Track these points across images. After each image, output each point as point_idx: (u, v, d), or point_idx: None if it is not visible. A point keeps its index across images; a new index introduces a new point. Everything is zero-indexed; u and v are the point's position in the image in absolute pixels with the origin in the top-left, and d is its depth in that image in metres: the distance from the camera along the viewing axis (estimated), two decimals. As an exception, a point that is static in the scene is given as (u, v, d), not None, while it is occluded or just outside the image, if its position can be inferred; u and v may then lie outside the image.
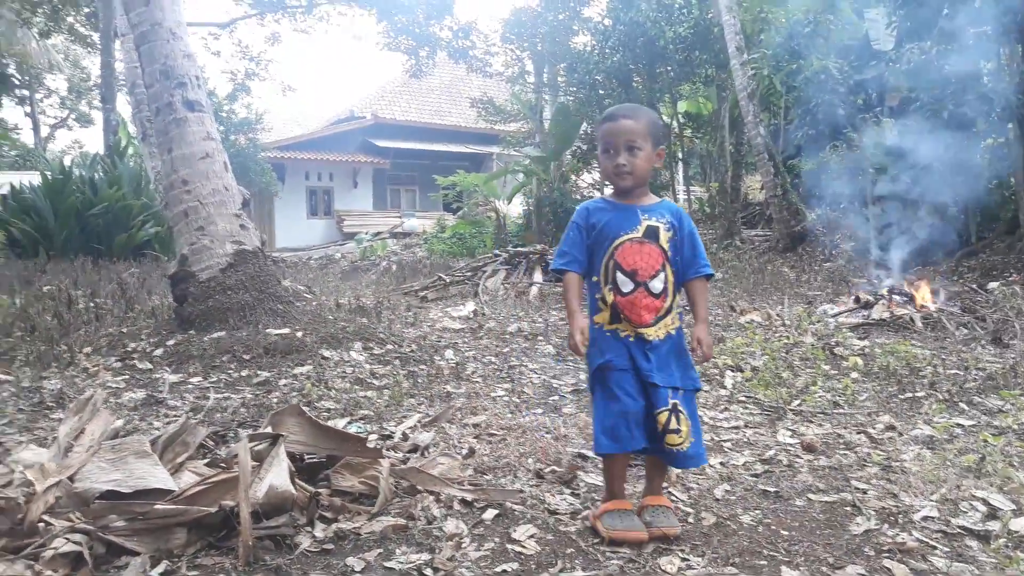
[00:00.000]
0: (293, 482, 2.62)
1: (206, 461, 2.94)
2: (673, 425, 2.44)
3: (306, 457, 3.02)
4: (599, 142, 2.61)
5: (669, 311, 2.53)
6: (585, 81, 16.74)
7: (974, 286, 8.38)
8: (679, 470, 2.96)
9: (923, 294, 6.96)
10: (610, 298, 2.51)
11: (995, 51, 10.97)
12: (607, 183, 2.67)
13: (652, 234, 2.53)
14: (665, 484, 2.80)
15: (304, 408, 3.23)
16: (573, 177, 19.27)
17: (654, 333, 2.50)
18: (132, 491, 2.51)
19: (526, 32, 18.62)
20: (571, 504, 2.77)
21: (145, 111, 9.80)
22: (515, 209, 20.46)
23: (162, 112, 5.99)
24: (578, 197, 19.52)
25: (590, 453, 3.26)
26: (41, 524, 2.37)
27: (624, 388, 2.46)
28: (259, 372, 4.69)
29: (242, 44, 23.37)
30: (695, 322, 2.58)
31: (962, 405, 4.02)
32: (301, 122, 34.13)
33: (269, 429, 2.93)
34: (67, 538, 2.31)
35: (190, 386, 4.49)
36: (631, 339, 2.50)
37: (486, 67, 21.06)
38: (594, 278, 2.56)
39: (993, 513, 2.61)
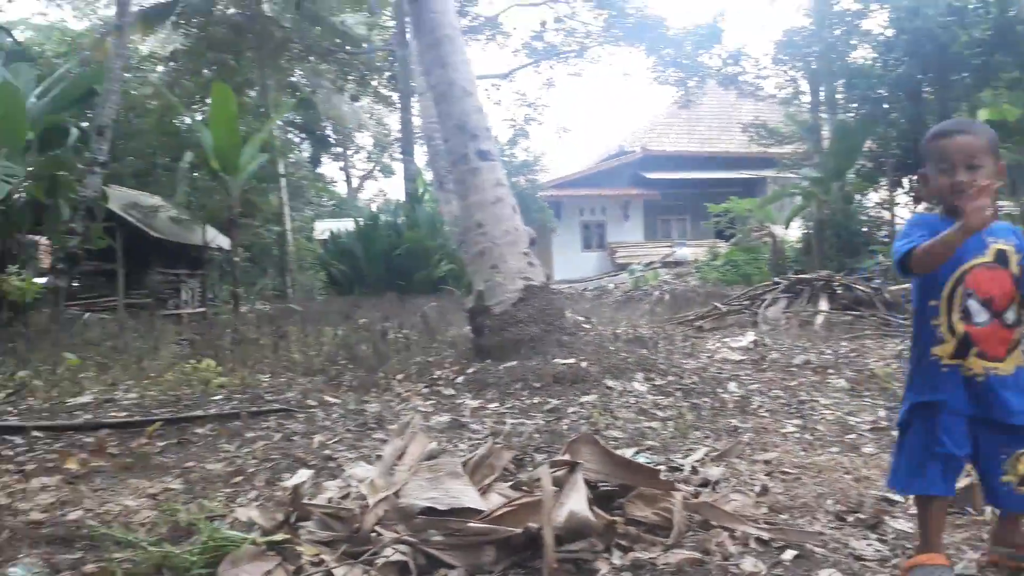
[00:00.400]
0: (591, 509, 2.74)
1: (510, 484, 3.16)
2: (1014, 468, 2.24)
3: (600, 485, 3.14)
4: (931, 160, 2.36)
5: (1019, 343, 2.30)
6: (867, 97, 15.72)
7: None
8: None
9: None
10: (960, 328, 2.27)
11: None
12: (931, 204, 2.44)
13: (1002, 259, 2.30)
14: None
15: (597, 438, 3.37)
16: (857, 197, 18.08)
17: (1004, 368, 2.26)
18: (447, 508, 2.76)
19: (799, 52, 17.92)
20: (878, 551, 2.61)
21: (440, 161, 10.80)
22: (793, 233, 19.59)
23: (458, 163, 6.60)
24: (863, 218, 18.27)
25: (898, 498, 3.05)
26: (373, 534, 2.69)
27: (952, 433, 2.25)
28: (549, 400, 4.94)
29: (520, 92, 24.91)
30: None
31: None
32: (574, 160, 35.47)
33: (566, 456, 3.09)
34: (395, 548, 2.61)
35: (488, 411, 4.83)
36: (978, 379, 2.26)
37: (757, 91, 20.54)
38: (931, 303, 2.32)
39: None
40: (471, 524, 2.68)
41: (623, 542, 2.76)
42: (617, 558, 2.64)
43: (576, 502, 2.76)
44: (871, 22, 17.43)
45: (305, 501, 2.81)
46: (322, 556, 2.52)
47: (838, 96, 18.16)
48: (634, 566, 2.57)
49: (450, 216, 11.21)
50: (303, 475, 3.04)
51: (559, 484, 2.89)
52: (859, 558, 2.56)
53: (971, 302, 2.27)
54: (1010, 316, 2.29)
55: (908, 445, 2.37)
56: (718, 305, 9.99)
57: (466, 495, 2.86)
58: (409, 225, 13.61)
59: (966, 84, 15.02)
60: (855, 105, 16.89)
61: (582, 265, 27.75)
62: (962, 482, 2.99)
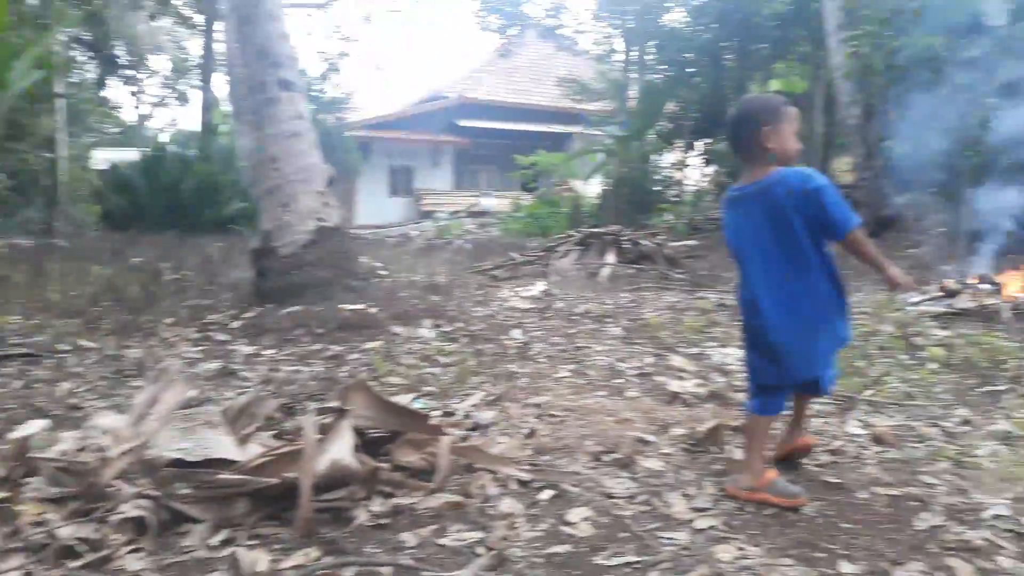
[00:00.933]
0: (356, 456, 2.69)
1: (273, 433, 3.05)
2: None
3: (369, 432, 3.10)
4: (785, 120, 2.67)
5: None
6: (674, 59, 16.42)
7: (1075, 276, 7.92)
8: None
9: (1013, 284, 6.62)
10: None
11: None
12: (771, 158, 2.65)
13: None
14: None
15: (370, 384, 3.31)
16: (654, 157, 18.99)
17: None
18: (199, 459, 2.61)
19: (618, 10, 18.35)
20: (628, 488, 2.76)
21: (240, 89, 10.12)
22: (593, 189, 20.30)
23: (256, 91, 6.16)
24: (657, 177, 19.25)
25: (651, 437, 3.24)
26: (111, 489, 2.49)
27: None
28: (331, 346, 4.82)
29: (336, 25, 23.82)
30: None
31: (1049, 401, 3.83)
32: (388, 102, 34.63)
33: (336, 403, 3.02)
34: (135, 503, 2.42)
35: (263, 358, 4.64)
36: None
37: (574, 45, 20.88)
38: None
39: (1072, 516, 2.48)
40: (222, 476, 2.55)
41: (387, 488, 2.73)
42: (378, 505, 2.61)
43: (339, 450, 2.69)
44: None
45: (34, 454, 2.55)
46: (46, 515, 2.30)
47: (648, 57, 18.84)
48: (394, 512, 2.57)
49: (246, 151, 10.59)
50: (35, 425, 2.75)
51: (325, 432, 2.82)
52: (610, 496, 2.70)
53: None
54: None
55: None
56: (514, 256, 10.17)
57: (221, 445, 2.71)
58: (200, 158, 12.72)
59: (764, 55, 16.05)
60: (663, 67, 17.58)
61: (388, 211, 27.30)
62: (709, 423, 3.24)
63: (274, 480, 2.54)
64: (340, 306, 5.41)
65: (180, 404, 3.03)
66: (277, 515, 2.49)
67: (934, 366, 4.50)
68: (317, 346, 4.84)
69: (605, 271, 9.13)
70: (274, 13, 6.24)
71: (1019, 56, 10.01)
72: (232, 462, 2.60)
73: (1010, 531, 2.40)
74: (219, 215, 12.50)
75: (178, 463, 2.57)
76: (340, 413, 2.86)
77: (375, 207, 26.98)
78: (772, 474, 2.66)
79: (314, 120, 20.60)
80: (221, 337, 5.07)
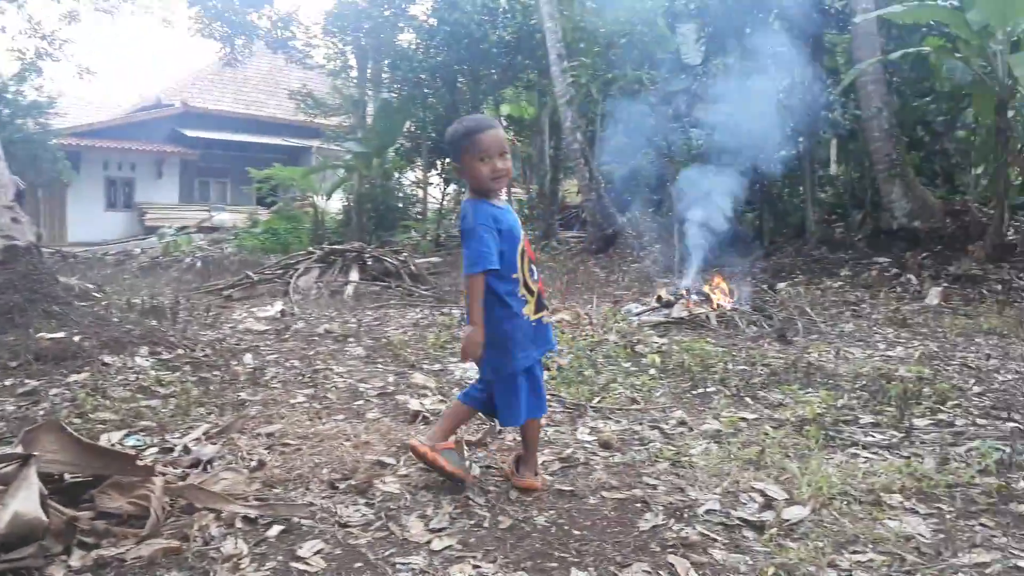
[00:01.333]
0: (45, 507, 2.34)
1: (-59, 487, 2.57)
2: None
3: (67, 477, 2.72)
4: (469, 150, 2.73)
5: None
6: (409, 79, 16.58)
7: (765, 286, 9.02)
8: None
9: (719, 294, 7.38)
10: (535, 288, 2.85)
11: (789, 70, 11.91)
12: (474, 186, 2.79)
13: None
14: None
15: (68, 421, 2.91)
16: (396, 174, 19.05)
17: (549, 313, 2.99)
18: None
19: (349, 26, 18.15)
20: (364, 515, 2.65)
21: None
22: (335, 205, 19.93)
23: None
24: (400, 194, 19.32)
25: (390, 460, 3.15)
26: None
27: (539, 369, 2.91)
28: (26, 381, 4.22)
29: (32, 20, 21.23)
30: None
31: (747, 399, 4.26)
32: (103, 109, 31.53)
33: (20, 448, 2.61)
34: None
35: (-61, 398, 3.95)
36: (542, 323, 2.90)
37: (306, 59, 20.37)
38: (514, 275, 2.78)
39: (769, 503, 2.74)
40: None
41: (88, 539, 2.41)
42: (77, 559, 2.31)
43: (24, 501, 2.33)
44: (418, 8, 18.34)
45: None
46: None
47: (384, 75, 18.83)
48: (97, 565, 2.28)
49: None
50: None
51: (7, 482, 2.42)
52: (344, 525, 2.57)
53: (532, 266, 2.86)
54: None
55: (524, 392, 2.83)
56: (250, 274, 9.65)
57: None
58: None
59: (494, 80, 16.66)
60: (398, 86, 17.67)
61: (105, 226, 24.89)
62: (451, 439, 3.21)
63: (-62, 546, 2.13)
64: (38, 335, 4.76)
65: None
66: (-56, 586, 2.10)
67: (653, 372, 4.86)
68: (9, 381, 4.21)
69: (349, 289, 8.95)
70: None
71: (711, 90, 11.27)
72: None
73: (720, 524, 2.59)
74: None
75: None
76: (25, 459, 2.47)
77: (90, 222, 24.53)
78: (451, 445, 2.89)
79: (11, 125, 18.29)
80: None
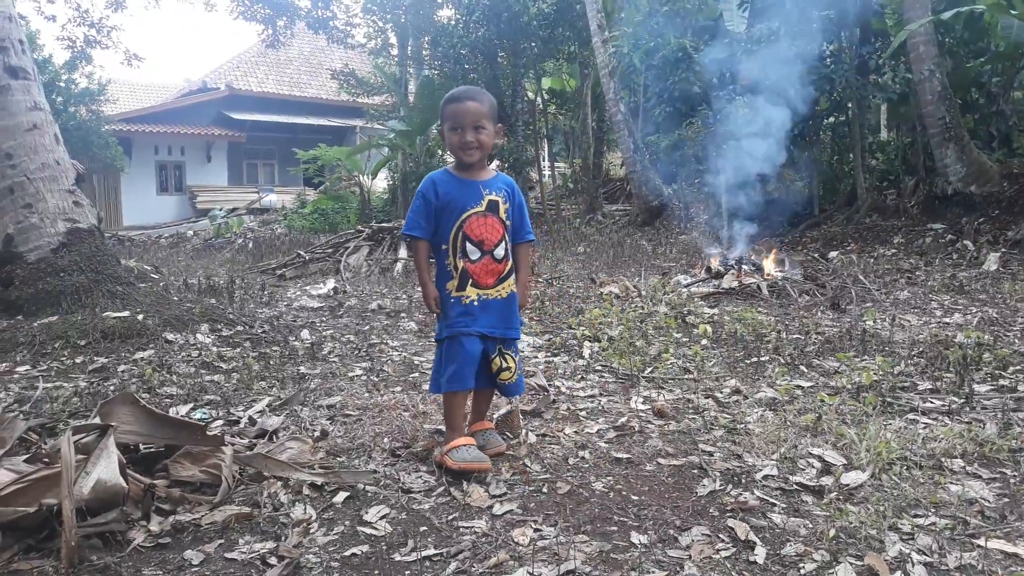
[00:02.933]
0: (124, 475, 2.44)
1: (27, 457, 2.70)
2: (504, 365, 2.90)
3: (142, 447, 2.83)
4: (446, 120, 2.84)
5: (509, 274, 2.91)
6: (450, 55, 16.57)
7: (816, 255, 8.90)
8: (519, 441, 3.10)
9: (769, 264, 7.31)
10: (460, 265, 2.82)
11: (836, 34, 11.64)
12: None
13: (493, 207, 2.87)
14: (508, 435, 3.14)
15: (139, 395, 3.03)
16: (439, 152, 19.13)
17: (496, 293, 2.87)
18: (-68, 495, 2.26)
19: (389, 4, 18.20)
20: (426, 482, 2.71)
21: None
22: (380, 184, 20.10)
23: (-21, 79, 5.45)
24: (444, 172, 19.34)
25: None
26: None
27: (467, 347, 2.81)
28: (96, 358, 4.38)
29: (81, 9, 21.66)
30: (516, 285, 2.95)
31: (802, 368, 4.23)
32: (151, 94, 32.12)
33: (98, 419, 2.72)
34: None
35: (16, 376, 4.13)
36: (475, 303, 2.83)
37: (347, 38, 20.48)
38: (443, 247, 2.84)
39: (827, 469, 2.74)
40: (-35, 509, 2.22)
41: (165, 506, 2.52)
42: (156, 524, 2.41)
43: (105, 469, 2.44)
44: (457, -17, 18.29)
45: None
46: None
47: (424, 52, 18.86)
48: (175, 530, 2.37)
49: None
50: None
51: (88, 451, 2.54)
52: (407, 491, 2.64)
53: (468, 244, 2.83)
54: (499, 252, 2.87)
55: (444, 360, 2.86)
56: (301, 253, 9.83)
57: (-39, 475, 2.37)
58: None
59: (535, 53, 16.58)
60: (439, 63, 17.68)
61: (157, 210, 25.47)
62: (503, 409, 3.26)
63: (31, 508, 2.25)
64: (104, 314, 4.92)
65: (-96, 434, 2.61)
66: (37, 547, 2.23)
67: (705, 342, 4.85)
68: (80, 359, 4.38)
69: (398, 266, 9.06)
70: (-9, -9, 5.55)
71: (754, 57, 11.07)
72: (-24, 494, 2.27)
73: (779, 489, 2.61)
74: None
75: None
76: (104, 429, 2.59)
77: (143, 206, 25.12)
78: (459, 442, 2.79)
79: (65, 112, 18.72)
80: (-39, 355, 4.45)
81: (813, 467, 2.77)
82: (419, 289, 7.45)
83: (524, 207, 3.00)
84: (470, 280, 2.82)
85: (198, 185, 26.74)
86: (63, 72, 20.99)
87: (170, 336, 4.77)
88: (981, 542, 2.19)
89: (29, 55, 5.78)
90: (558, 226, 14.23)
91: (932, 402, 3.55)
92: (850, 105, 11.75)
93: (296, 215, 18.52)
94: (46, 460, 2.64)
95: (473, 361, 2.83)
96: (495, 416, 3.23)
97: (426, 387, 3.97)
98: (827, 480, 2.64)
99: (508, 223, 2.90)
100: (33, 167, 5.37)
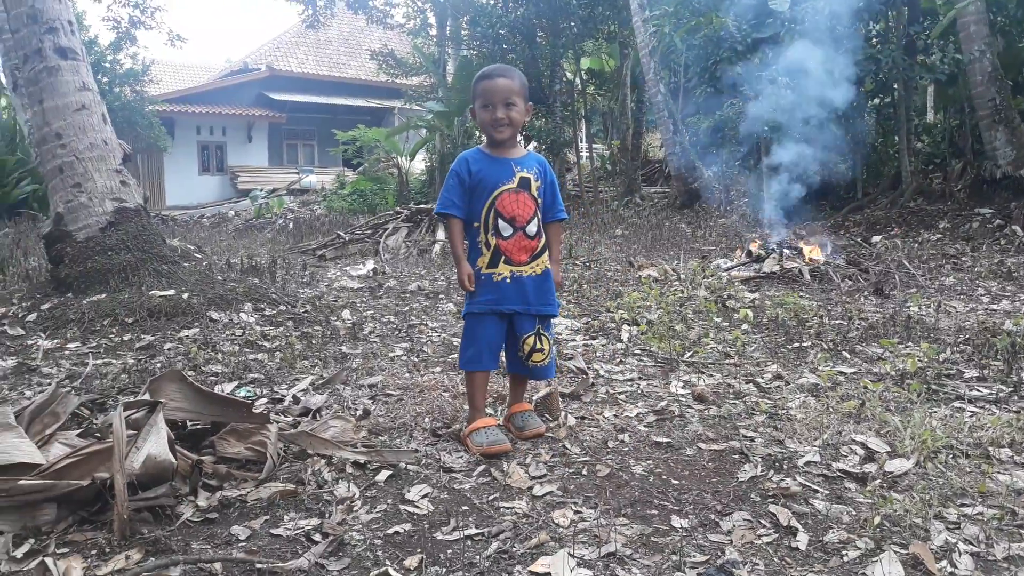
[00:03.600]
0: (173, 450, 2.50)
1: (79, 431, 2.78)
2: (538, 346, 2.92)
3: (189, 424, 2.90)
4: (477, 98, 2.87)
5: (543, 251, 2.93)
6: (488, 35, 16.50)
7: (859, 239, 8.75)
8: (559, 424, 3.11)
9: (811, 248, 7.21)
10: (492, 242, 2.85)
11: (883, 13, 11.37)
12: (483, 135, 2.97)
13: (525, 184, 2.88)
14: (547, 416, 3.15)
15: (186, 373, 3.09)
16: (477, 133, 19.09)
17: (529, 270, 2.89)
18: (-7, 466, 2.34)
19: (428, -18, 18.18)
20: (467, 462, 2.74)
21: (14, 59, 9.13)
22: (418, 166, 20.14)
23: (31, 60, 5.56)
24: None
25: (487, 410, 3.23)
26: None
27: (488, 328, 2.87)
28: (142, 336, 4.48)
29: (126, -10, 21.94)
30: (550, 262, 2.96)
31: (845, 354, 4.18)
32: (192, 74, 32.51)
33: (147, 396, 2.79)
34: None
35: (67, 352, 4.24)
36: (507, 280, 2.86)
37: (386, 18, 20.51)
38: (475, 224, 2.87)
39: (870, 456, 2.71)
40: (23, 481, 2.30)
41: (212, 482, 2.58)
42: (203, 499, 2.46)
43: (155, 444, 2.50)
44: (495, -39, 18.19)
45: None
46: None
47: (463, 32, 18.82)
48: (221, 505, 2.42)
49: (30, 127, 9.61)
50: None
51: (138, 427, 2.60)
52: (448, 470, 2.67)
53: (500, 221, 2.85)
54: (531, 229, 2.88)
55: (468, 336, 2.93)
56: (341, 234, 9.91)
57: (18, 449, 2.44)
58: (-23, 136, 11.46)
59: (574, 33, 16.43)
60: (478, 43, 17.62)
61: (199, 190, 25.85)
62: (542, 391, 3.27)
63: (84, 482, 2.32)
64: (150, 292, 5.02)
65: (-36, 407, 2.69)
66: (90, 519, 2.30)
67: (746, 327, 4.81)
68: (127, 336, 4.48)
69: (436, 247, 9.09)
70: (44, -28, 5.63)
71: (800, 36, 10.85)
72: (33, 466, 2.34)
73: (821, 475, 2.59)
74: (6, 198, 11.29)
75: (-34, 473, 2.29)
76: (153, 406, 2.65)
77: (185, 186, 25.49)
78: (480, 424, 2.84)
79: (110, 93, 19.01)
80: (15, 332, 4.57)
81: (856, 454, 2.74)
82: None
83: (556, 185, 3.01)
84: (503, 257, 2.85)
85: (239, 165, 27.05)
86: (108, 53, 21.33)
87: (214, 315, 4.86)
88: (1030, 533, 2.15)
89: (78, 36, 5.87)
90: (595, 208, 14.16)
91: (979, 390, 3.49)
92: (896, 86, 11.49)
93: (335, 196, 18.66)
94: (98, 435, 2.72)
95: (493, 343, 2.88)
96: (534, 398, 3.24)
97: (465, 368, 4.00)
98: (871, 467, 2.62)
99: (540, 200, 2.91)
100: (82, 147, 5.48)
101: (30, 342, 4.40)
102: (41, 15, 5.54)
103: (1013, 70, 10.87)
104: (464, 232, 2.91)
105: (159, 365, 3.94)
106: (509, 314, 2.88)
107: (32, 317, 4.80)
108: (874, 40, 11.42)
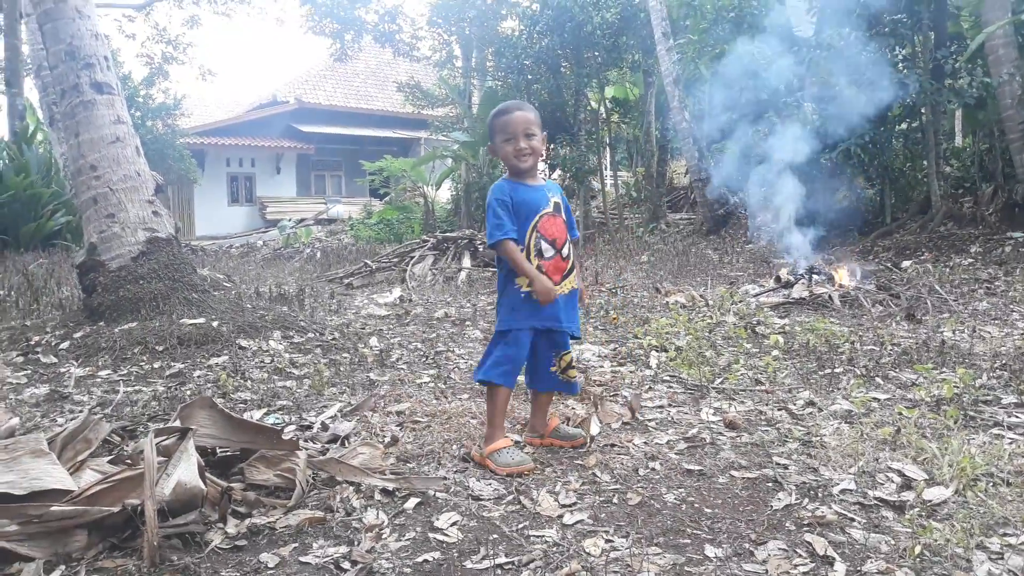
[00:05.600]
0: (203, 477, 2.50)
1: (110, 458, 2.79)
2: (574, 362, 3.13)
3: (219, 451, 2.90)
4: (497, 133, 3.00)
5: (571, 271, 3.06)
6: (513, 66, 16.62)
7: (889, 265, 8.65)
8: (581, 443, 3.16)
9: (842, 273, 7.13)
10: (536, 263, 2.94)
11: (909, 38, 11.33)
12: (505, 166, 3.08)
13: (557, 209, 3.04)
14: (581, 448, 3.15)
15: (216, 400, 3.11)
16: (501, 163, 19.17)
17: (560, 289, 2.99)
18: (27, 493, 2.35)
19: (453, 16, 18.40)
20: (495, 489, 2.72)
21: (52, 94, 9.35)
22: (444, 195, 20.28)
23: (68, 94, 5.70)
24: (507, 183, 19.40)
25: (515, 437, 3.22)
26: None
27: (524, 343, 2.99)
28: (172, 364, 4.51)
29: (159, 27, 22.50)
30: (577, 280, 3.11)
31: (878, 380, 4.11)
32: (222, 108, 33.13)
33: (178, 423, 2.80)
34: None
35: (99, 380, 4.29)
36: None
37: (413, 51, 20.79)
38: (520, 248, 2.95)
39: (908, 484, 2.65)
40: (55, 508, 2.31)
41: (241, 509, 2.58)
42: (232, 526, 2.45)
43: (185, 471, 2.50)
44: (520, -5, 18.41)
45: None
46: None
47: (488, 64, 19.00)
48: (251, 532, 2.42)
49: (65, 160, 9.82)
50: None
51: (168, 453, 2.61)
52: (477, 498, 2.65)
53: (543, 243, 2.97)
54: (565, 251, 3.03)
55: (499, 352, 3.00)
56: (368, 263, 9.98)
57: (51, 475, 2.46)
58: (15, 170, 11.68)
59: (598, 62, 16.52)
60: (503, 74, 17.76)
61: (228, 220, 26.20)
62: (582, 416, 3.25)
63: (115, 508, 2.33)
64: (180, 321, 5.07)
65: (3, 433, 2.73)
66: (121, 545, 2.30)
67: (776, 353, 4.76)
68: (158, 364, 4.52)
69: (462, 275, 9.12)
70: (82, 9, 5.77)
71: (826, 64, 10.83)
72: (65, 492, 2.36)
73: (857, 503, 2.53)
74: (41, 229, 11.51)
75: (2, 498, 2.31)
76: (183, 432, 2.66)
77: (215, 217, 25.84)
78: (501, 444, 2.92)
79: (143, 127, 19.41)
80: (48, 360, 4.64)
81: (893, 482, 2.68)
82: (483, 298, 7.54)
83: (570, 209, 3.18)
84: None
85: (267, 196, 27.40)
86: (141, 88, 21.81)
87: (243, 342, 4.89)
88: (1077, 564, 2.08)
89: (113, 71, 6.01)
90: (621, 235, 14.14)
91: (1018, 416, 3.41)
92: (924, 111, 11.40)
93: (362, 225, 18.81)
94: (128, 461, 2.73)
95: (526, 360, 3.04)
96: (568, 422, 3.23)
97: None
98: (908, 495, 2.56)
99: (568, 223, 3.09)
100: (116, 178, 5.58)
101: (62, 370, 4.46)
102: (79, 51, 5.68)
103: (1043, 93, 10.73)
104: (513, 252, 2.94)
105: (189, 392, 3.96)
106: (543, 332, 3.01)
107: (65, 345, 4.87)
108: (900, 65, 11.37)
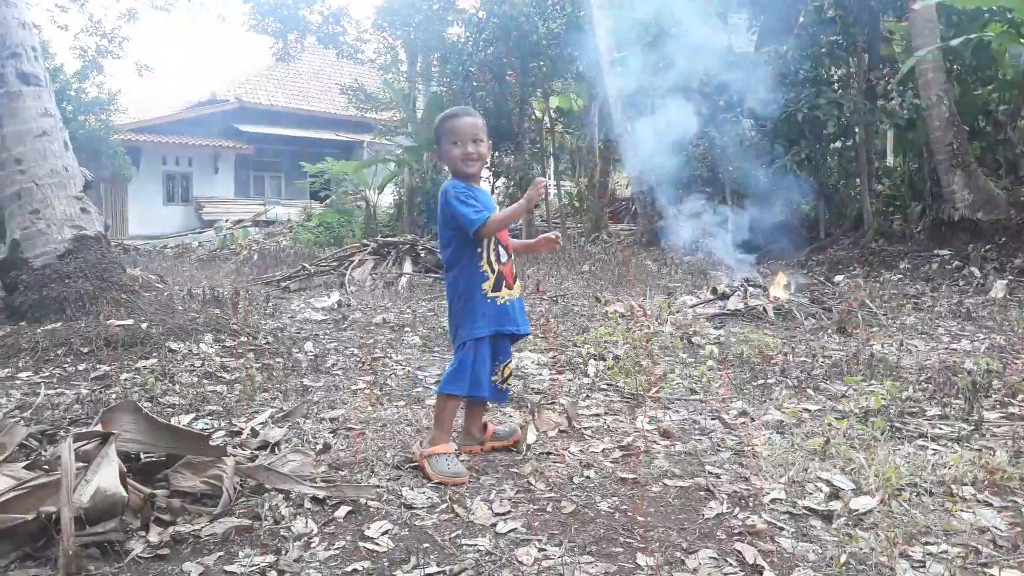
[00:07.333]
0: (125, 483, 2.41)
1: (26, 464, 2.67)
2: (512, 370, 3.18)
3: (143, 456, 2.80)
4: (444, 136, 2.98)
5: (517, 275, 3.10)
6: (459, 72, 16.61)
7: (822, 279, 8.87)
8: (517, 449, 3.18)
9: (776, 286, 7.28)
10: (496, 268, 2.97)
11: (844, 59, 11.68)
12: (449, 169, 3.06)
13: None
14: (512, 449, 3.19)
15: (142, 404, 3.00)
16: (446, 168, 19.11)
17: (514, 294, 3.04)
18: (-67, 500, 2.24)
19: (399, 20, 18.31)
20: (429, 498, 2.68)
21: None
22: (386, 199, 20.13)
23: (-8, 85, 5.48)
24: (451, 189, 19.34)
25: (451, 445, 3.18)
26: None
27: (489, 350, 2.99)
28: (98, 366, 4.36)
29: (94, 19, 21.81)
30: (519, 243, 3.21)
31: (809, 391, 4.19)
32: (160, 105, 32.30)
33: (100, 427, 2.70)
34: None
35: (18, 382, 4.12)
36: (507, 303, 3.00)
37: (357, 54, 20.59)
38: (478, 249, 2.95)
39: (835, 493, 2.70)
40: (-37, 516, 2.20)
41: (165, 516, 2.49)
42: (155, 535, 2.38)
43: (105, 477, 2.41)
44: (466, 1, 18.41)
45: None
46: None
47: (434, 69, 18.93)
48: (174, 541, 2.35)
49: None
50: None
51: (89, 459, 2.51)
52: (410, 507, 2.61)
53: (499, 247, 3.01)
54: (511, 256, 3.06)
55: (468, 361, 2.95)
56: (306, 266, 9.82)
57: (-42, 482, 2.34)
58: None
59: (543, 72, 16.61)
60: (448, 80, 17.72)
61: (164, 220, 25.52)
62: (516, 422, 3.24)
63: (29, 516, 2.23)
64: (108, 322, 4.91)
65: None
66: (35, 555, 2.21)
67: (711, 363, 4.82)
68: (82, 366, 4.36)
69: (403, 280, 9.04)
70: (10, -2, 5.58)
71: (763, 81, 11.10)
72: (-26, 501, 2.25)
73: (787, 513, 2.57)
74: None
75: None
76: (105, 437, 2.56)
77: (150, 216, 25.17)
78: (443, 449, 2.90)
79: (74, 121, 18.80)
80: (-37, 361, 4.43)
81: (821, 491, 2.73)
82: (424, 304, 7.48)
83: None
84: (504, 281, 3.00)
85: (205, 196, 26.80)
86: (74, 81, 21.11)
87: (173, 345, 4.75)
88: (994, 572, 2.15)
89: (41, 62, 5.81)
90: (563, 244, 14.21)
91: (941, 428, 3.51)
92: (857, 130, 11.76)
93: (302, 228, 18.54)
94: (46, 467, 2.62)
95: (490, 368, 3.02)
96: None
97: (430, 402, 3.94)
98: (836, 505, 2.61)
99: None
100: (42, 173, 5.38)
101: (-21, 371, 4.27)
102: (5, 40, 5.48)
103: (970, 116, 11.18)
104: (469, 247, 2.93)
105: (114, 396, 3.83)
106: (492, 339, 3.00)
107: (-17, 346, 4.66)
108: (836, 85, 11.70)
